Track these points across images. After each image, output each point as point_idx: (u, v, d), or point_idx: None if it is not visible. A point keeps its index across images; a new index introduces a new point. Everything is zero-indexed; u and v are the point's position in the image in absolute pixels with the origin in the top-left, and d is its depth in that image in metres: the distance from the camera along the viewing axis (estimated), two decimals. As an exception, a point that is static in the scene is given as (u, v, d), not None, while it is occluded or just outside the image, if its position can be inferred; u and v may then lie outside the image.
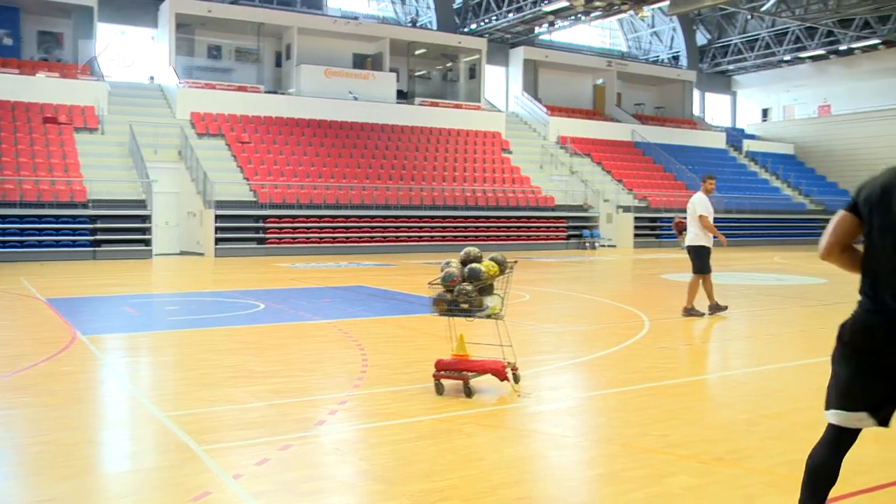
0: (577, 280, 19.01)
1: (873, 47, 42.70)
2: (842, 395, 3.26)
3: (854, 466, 4.72)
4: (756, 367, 8.27)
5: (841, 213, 3.29)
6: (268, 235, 26.17)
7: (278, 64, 34.96)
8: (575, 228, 32.33)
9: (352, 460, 4.88)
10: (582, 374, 7.66)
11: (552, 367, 7.76)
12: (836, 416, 3.29)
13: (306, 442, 5.16)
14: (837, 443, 3.32)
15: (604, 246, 32.41)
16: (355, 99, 33.61)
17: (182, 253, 26.47)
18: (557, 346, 9.20)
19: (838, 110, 47.25)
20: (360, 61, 35.99)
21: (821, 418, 5.79)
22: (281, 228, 26.38)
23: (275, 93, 33.35)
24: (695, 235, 11.66)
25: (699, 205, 11.58)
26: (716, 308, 11.65)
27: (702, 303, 11.71)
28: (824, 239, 3.32)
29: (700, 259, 11.60)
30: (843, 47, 42.93)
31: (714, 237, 11.72)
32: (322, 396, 6.50)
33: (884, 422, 3.23)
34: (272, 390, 6.57)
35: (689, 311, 11.56)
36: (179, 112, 29.75)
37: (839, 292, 15.35)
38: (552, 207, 32.31)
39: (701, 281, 11.66)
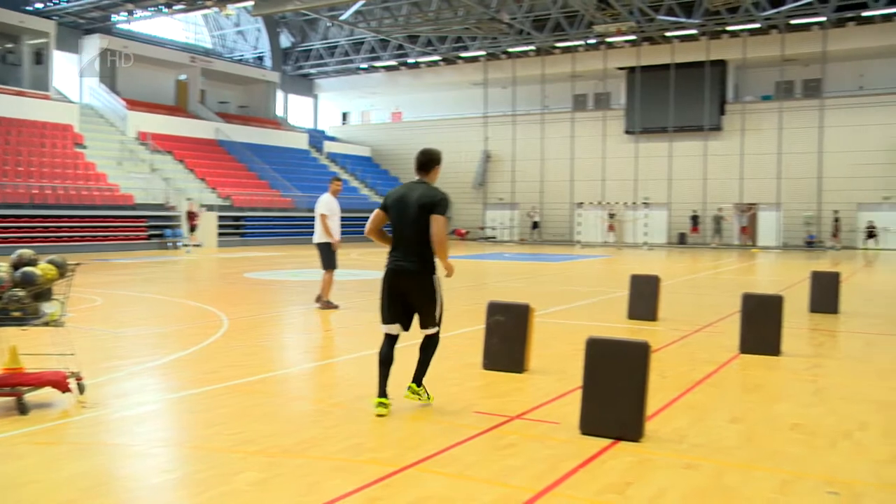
0: (156, 281, 18.30)
1: (435, 63, 47.23)
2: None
3: (409, 443, 5.20)
4: (328, 360, 8.70)
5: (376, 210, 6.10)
6: None
7: None
8: (156, 228, 31.11)
9: None
10: (157, 378, 7.39)
11: (125, 374, 7.38)
12: (383, 327, 6.04)
13: None
14: (390, 342, 6.03)
15: (187, 245, 31.60)
16: None
17: None
18: (132, 350, 8.78)
19: (408, 117, 51.50)
20: None
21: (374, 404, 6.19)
22: None
23: None
24: (320, 233, 12.27)
25: (322, 205, 12.26)
26: (326, 304, 12.32)
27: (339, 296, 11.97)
28: (368, 225, 6.13)
29: (326, 255, 12.24)
30: (411, 60, 46.82)
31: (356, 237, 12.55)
32: None
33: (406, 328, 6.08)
34: None
35: (326, 304, 12.24)
36: None
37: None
38: (131, 206, 30.73)
39: (326, 276, 12.32)
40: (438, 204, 5.86)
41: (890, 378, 7.63)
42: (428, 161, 6.09)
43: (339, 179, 12.68)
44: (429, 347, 6.16)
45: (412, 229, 5.88)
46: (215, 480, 4.47)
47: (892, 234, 35.56)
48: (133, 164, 34.37)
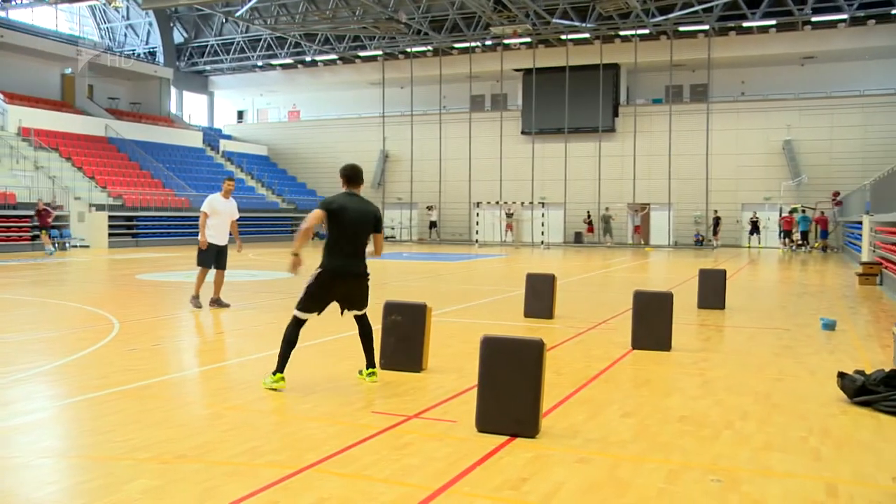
0: (41, 283, 17.52)
1: (333, 62, 46.88)
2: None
3: (307, 445, 5.16)
4: (223, 362, 8.53)
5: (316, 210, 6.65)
6: None
7: None
8: (41, 229, 29.72)
9: None
10: (42, 386, 7.08)
11: (5, 382, 7.05)
12: (302, 315, 6.75)
13: None
14: (298, 325, 6.75)
15: (76, 246, 30.42)
16: None
17: None
18: (14, 357, 8.39)
19: (306, 116, 50.94)
20: None
21: (272, 406, 6.20)
22: None
23: None
24: (210, 233, 12.19)
25: (204, 203, 12.19)
26: (196, 302, 12.21)
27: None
28: (309, 222, 6.56)
29: (199, 254, 12.18)
30: (308, 59, 46.32)
31: (236, 236, 12.56)
32: None
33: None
34: None
35: (194, 300, 12.20)
36: None
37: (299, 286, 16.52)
38: (13, 206, 29.35)
39: (198, 273, 12.25)
40: (380, 220, 7.00)
41: (768, 369, 8.02)
42: (357, 175, 6.91)
43: (231, 179, 12.51)
44: (369, 334, 7.07)
45: (362, 239, 6.86)
46: (104, 490, 4.32)
47: (772, 232, 37.32)
48: (14, 161, 32.82)
